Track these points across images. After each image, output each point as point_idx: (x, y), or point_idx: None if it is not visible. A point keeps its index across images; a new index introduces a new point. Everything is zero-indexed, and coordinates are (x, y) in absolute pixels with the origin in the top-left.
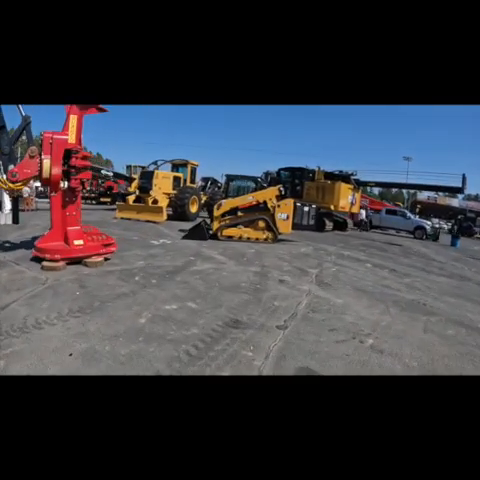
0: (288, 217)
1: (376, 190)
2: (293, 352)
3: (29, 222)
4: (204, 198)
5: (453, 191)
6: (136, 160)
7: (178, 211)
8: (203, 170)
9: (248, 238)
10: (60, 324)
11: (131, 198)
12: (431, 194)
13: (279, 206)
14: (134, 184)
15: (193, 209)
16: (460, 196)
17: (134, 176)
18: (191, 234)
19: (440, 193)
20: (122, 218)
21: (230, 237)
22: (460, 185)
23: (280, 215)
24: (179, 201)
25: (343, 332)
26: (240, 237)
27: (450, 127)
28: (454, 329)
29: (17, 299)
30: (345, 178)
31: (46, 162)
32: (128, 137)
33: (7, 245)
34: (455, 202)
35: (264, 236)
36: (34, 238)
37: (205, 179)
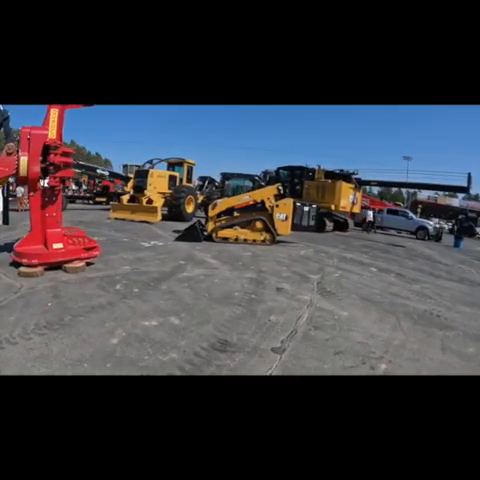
0: (287, 217)
1: (375, 190)
2: None
3: (20, 223)
4: (201, 198)
5: (458, 191)
6: (137, 160)
7: (173, 211)
8: (202, 170)
9: (245, 240)
10: (22, 343)
11: (125, 198)
12: (431, 194)
13: (278, 206)
14: (130, 183)
15: (189, 209)
16: (460, 196)
17: (130, 175)
18: (184, 236)
19: (440, 193)
20: (116, 218)
21: (226, 239)
22: (465, 184)
23: (279, 215)
24: (174, 201)
25: (351, 355)
26: (236, 239)
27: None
28: (475, 346)
29: None
30: (346, 177)
31: (23, 159)
32: (128, 137)
33: None
34: (455, 202)
35: (262, 238)
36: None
37: (202, 178)
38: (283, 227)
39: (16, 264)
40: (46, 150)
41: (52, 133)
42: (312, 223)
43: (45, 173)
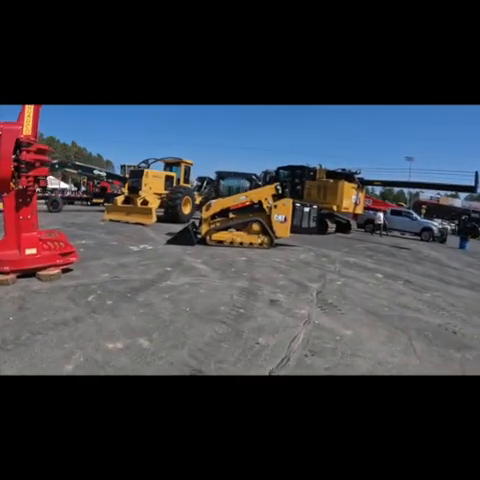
0: (286, 219)
1: (377, 190)
2: None
3: None
4: (199, 199)
5: (465, 190)
6: (138, 161)
7: (169, 212)
8: (202, 170)
9: (241, 243)
10: None
11: (119, 199)
12: (433, 194)
13: (276, 207)
14: (127, 184)
15: (186, 210)
16: (462, 196)
17: (128, 176)
18: (177, 239)
19: (442, 193)
20: (111, 220)
21: (220, 242)
22: (472, 184)
23: (277, 217)
24: (170, 201)
25: None
26: (232, 242)
27: (450, 126)
28: None
29: None
30: (348, 177)
31: None
32: (129, 138)
33: None
34: (458, 202)
35: (259, 241)
36: None
37: (201, 179)
38: (282, 229)
39: None
40: (19, 147)
41: (27, 129)
42: (313, 225)
43: (19, 172)
